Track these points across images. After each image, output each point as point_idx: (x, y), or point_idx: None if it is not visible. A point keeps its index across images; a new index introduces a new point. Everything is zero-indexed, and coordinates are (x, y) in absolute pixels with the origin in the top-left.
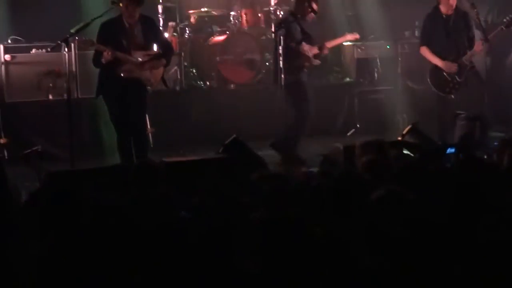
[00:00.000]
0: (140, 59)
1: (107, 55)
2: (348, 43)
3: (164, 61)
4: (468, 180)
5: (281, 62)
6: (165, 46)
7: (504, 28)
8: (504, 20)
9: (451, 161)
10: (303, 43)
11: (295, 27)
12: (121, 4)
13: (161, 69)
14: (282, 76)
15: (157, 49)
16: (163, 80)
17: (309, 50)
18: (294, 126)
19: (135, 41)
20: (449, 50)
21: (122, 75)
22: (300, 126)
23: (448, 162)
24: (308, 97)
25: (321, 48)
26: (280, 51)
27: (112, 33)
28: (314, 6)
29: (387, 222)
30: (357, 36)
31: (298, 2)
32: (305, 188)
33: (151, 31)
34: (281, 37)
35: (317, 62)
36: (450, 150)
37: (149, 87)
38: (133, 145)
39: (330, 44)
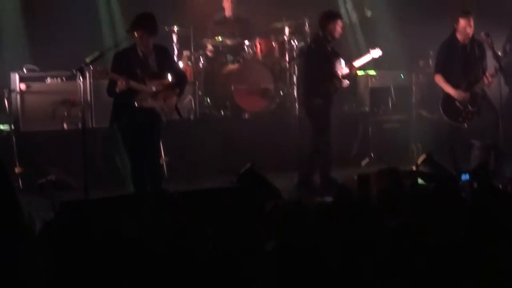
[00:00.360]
0: (154, 89)
1: (121, 84)
2: (362, 72)
3: (178, 90)
4: (482, 208)
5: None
6: (179, 75)
7: None
8: None
9: (466, 190)
10: (334, 65)
11: (324, 48)
12: (135, 34)
13: (175, 99)
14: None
15: (171, 79)
16: (177, 109)
17: (339, 71)
18: (316, 154)
19: (149, 70)
20: (462, 78)
21: (136, 104)
22: (324, 153)
23: (463, 191)
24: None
25: (350, 68)
26: (306, 75)
27: (126, 62)
28: (339, 24)
29: (404, 250)
30: (379, 52)
31: (323, 22)
32: (319, 217)
33: (165, 61)
34: (308, 60)
35: (346, 83)
36: (465, 177)
37: (163, 117)
38: (148, 174)
39: (357, 63)
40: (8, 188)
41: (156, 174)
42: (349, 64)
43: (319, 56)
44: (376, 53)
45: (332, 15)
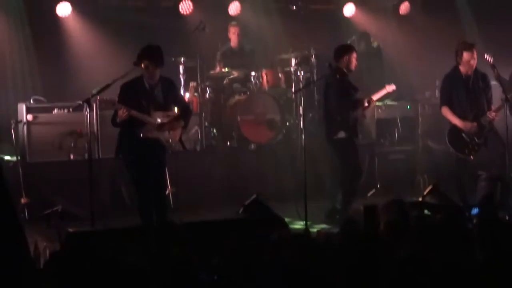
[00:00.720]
0: (159, 120)
1: (122, 113)
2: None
3: (182, 122)
4: (489, 240)
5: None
6: (184, 107)
7: None
8: None
9: (473, 222)
10: (355, 96)
11: (343, 80)
12: (142, 65)
13: (179, 131)
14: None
15: (176, 110)
16: (181, 142)
17: (359, 103)
18: (342, 187)
19: (154, 101)
20: (468, 110)
21: (141, 135)
22: (349, 185)
23: (470, 223)
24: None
25: (369, 102)
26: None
27: (132, 93)
28: (354, 56)
29: (411, 281)
30: (393, 87)
31: (339, 55)
32: (326, 248)
33: (171, 92)
34: (331, 92)
35: (365, 116)
36: (474, 211)
37: (167, 148)
38: (153, 205)
39: (375, 96)
40: (15, 220)
41: (162, 205)
42: (368, 98)
43: (342, 89)
44: (391, 88)
45: (348, 48)
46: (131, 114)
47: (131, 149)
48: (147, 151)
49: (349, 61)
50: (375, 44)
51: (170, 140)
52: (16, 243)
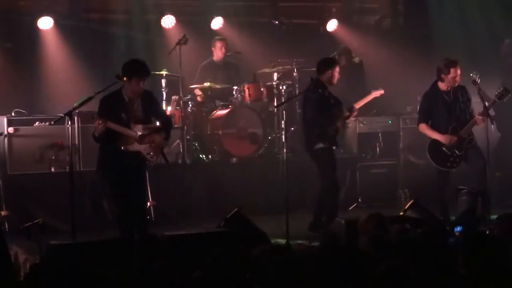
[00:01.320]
0: (139, 133)
1: (98, 125)
2: (351, 118)
3: (164, 134)
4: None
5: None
6: (165, 119)
7: (497, 100)
8: (496, 92)
9: (455, 237)
10: (335, 109)
11: (324, 93)
12: (128, 80)
13: (161, 143)
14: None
15: (157, 123)
16: (163, 154)
17: (340, 114)
18: (322, 197)
19: (134, 115)
20: (448, 124)
21: (122, 148)
22: (329, 195)
23: (452, 237)
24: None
25: (350, 110)
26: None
27: (112, 107)
28: (337, 70)
29: None
30: (382, 91)
31: (322, 69)
32: (307, 262)
33: (151, 105)
34: (311, 106)
35: (347, 126)
36: (457, 229)
37: (149, 161)
38: (133, 218)
39: (358, 104)
40: None
41: (142, 218)
42: (350, 107)
43: (321, 102)
44: (378, 92)
45: (332, 62)
46: (107, 126)
47: (112, 165)
48: (128, 165)
49: (332, 75)
50: (356, 60)
51: (152, 153)
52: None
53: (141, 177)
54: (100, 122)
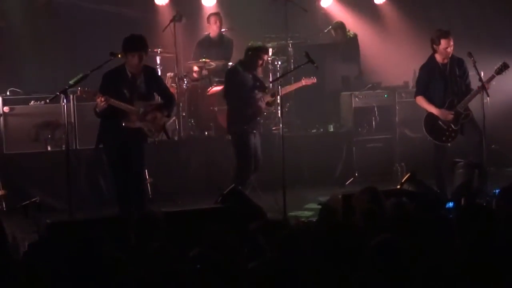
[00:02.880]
0: (141, 110)
1: (100, 102)
2: (346, 92)
3: (166, 112)
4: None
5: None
6: (168, 96)
7: (495, 75)
8: (495, 67)
9: (451, 211)
10: (256, 92)
11: (246, 75)
12: (129, 56)
13: (163, 120)
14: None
15: (160, 100)
16: (164, 130)
17: (262, 98)
18: (234, 177)
19: (137, 91)
20: (444, 98)
21: (123, 124)
22: (239, 178)
23: (448, 212)
24: (253, 150)
25: (273, 95)
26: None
27: (114, 83)
28: (265, 58)
29: (385, 270)
30: (314, 80)
31: (250, 56)
32: (303, 237)
33: (154, 82)
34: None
35: (268, 109)
36: (449, 205)
37: (150, 137)
38: (132, 194)
39: (285, 90)
40: None
41: (140, 195)
42: (274, 92)
43: (244, 83)
44: (309, 81)
45: (260, 51)
46: (110, 103)
47: (113, 139)
48: (128, 141)
49: (256, 63)
50: (351, 34)
51: (153, 130)
52: None
53: (141, 154)
54: (103, 99)
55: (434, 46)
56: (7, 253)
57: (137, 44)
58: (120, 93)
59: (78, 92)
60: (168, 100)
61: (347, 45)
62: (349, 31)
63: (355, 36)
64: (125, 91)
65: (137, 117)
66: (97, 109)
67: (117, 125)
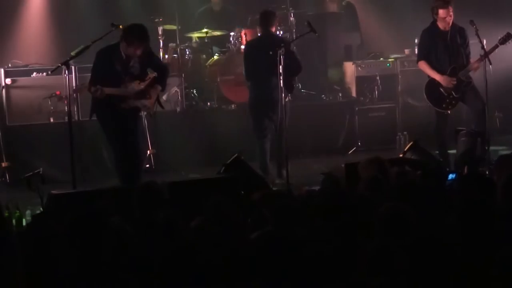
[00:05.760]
0: (135, 89)
1: (99, 95)
2: (349, 62)
3: (159, 87)
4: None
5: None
6: (161, 69)
7: (499, 44)
8: (499, 37)
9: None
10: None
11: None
12: (128, 45)
13: (157, 94)
14: None
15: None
16: (158, 102)
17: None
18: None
19: (131, 71)
20: (446, 65)
21: (122, 106)
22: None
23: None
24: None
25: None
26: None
27: (107, 62)
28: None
29: (390, 239)
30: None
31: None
32: (306, 206)
33: (147, 59)
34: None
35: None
36: (452, 176)
37: (147, 113)
38: (129, 160)
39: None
40: None
41: (136, 167)
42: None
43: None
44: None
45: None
46: (106, 92)
47: (107, 109)
48: (123, 113)
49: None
50: (344, 2)
51: (148, 105)
52: None
53: (136, 125)
54: (98, 91)
55: (433, 14)
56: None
57: (141, 38)
58: (113, 73)
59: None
60: (162, 73)
61: (345, 14)
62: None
63: (351, 4)
64: (119, 71)
65: (131, 97)
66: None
67: (110, 107)
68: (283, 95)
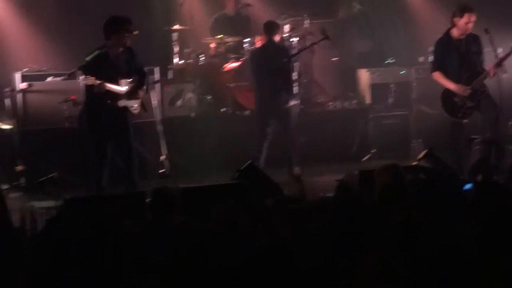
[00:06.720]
0: (126, 88)
1: (99, 85)
2: (363, 69)
3: (144, 87)
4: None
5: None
6: (143, 72)
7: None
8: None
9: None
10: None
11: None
12: (120, 36)
13: (142, 95)
14: None
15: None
16: (142, 105)
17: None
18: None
19: (120, 71)
20: (460, 74)
21: (118, 105)
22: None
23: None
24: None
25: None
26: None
27: (100, 65)
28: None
29: (405, 248)
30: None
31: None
32: (320, 213)
33: (132, 60)
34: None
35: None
36: (468, 186)
37: (138, 111)
38: (124, 168)
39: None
40: None
41: (131, 166)
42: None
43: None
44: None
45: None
46: (106, 88)
47: (97, 119)
48: (112, 117)
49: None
50: (355, 8)
51: (135, 105)
52: None
53: (127, 128)
54: (101, 86)
55: (455, 19)
56: (12, 233)
57: (132, 24)
58: (105, 75)
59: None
60: (143, 76)
61: (358, 21)
62: (354, 6)
63: (364, 11)
64: (109, 72)
65: (123, 96)
66: (95, 91)
67: (101, 105)
68: (287, 101)
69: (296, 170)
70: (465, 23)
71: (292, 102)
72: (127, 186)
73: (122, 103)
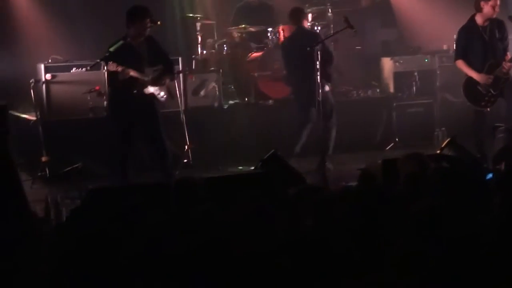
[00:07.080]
0: (151, 75)
1: (123, 72)
2: (387, 57)
3: (171, 75)
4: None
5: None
6: (169, 61)
7: None
8: None
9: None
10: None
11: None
12: (159, 23)
13: (168, 82)
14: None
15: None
16: (169, 91)
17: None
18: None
19: (144, 59)
20: (484, 62)
21: (136, 92)
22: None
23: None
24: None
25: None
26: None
27: (123, 57)
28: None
29: (427, 237)
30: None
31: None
32: (343, 203)
33: (155, 47)
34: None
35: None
36: (489, 176)
37: (159, 101)
38: (153, 156)
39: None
40: (14, 185)
41: (162, 155)
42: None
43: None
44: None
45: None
46: (131, 75)
47: (124, 108)
48: (139, 108)
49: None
50: None
51: (162, 93)
52: (14, 208)
53: (155, 115)
54: (125, 72)
55: (482, 2)
56: (28, 226)
57: (148, 9)
58: (129, 65)
59: (109, 67)
60: (170, 65)
61: (380, 9)
62: None
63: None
64: (134, 62)
65: (149, 83)
66: (120, 78)
67: (128, 94)
68: (323, 87)
69: (328, 164)
70: (492, 6)
71: (327, 88)
72: (162, 177)
73: (148, 90)
